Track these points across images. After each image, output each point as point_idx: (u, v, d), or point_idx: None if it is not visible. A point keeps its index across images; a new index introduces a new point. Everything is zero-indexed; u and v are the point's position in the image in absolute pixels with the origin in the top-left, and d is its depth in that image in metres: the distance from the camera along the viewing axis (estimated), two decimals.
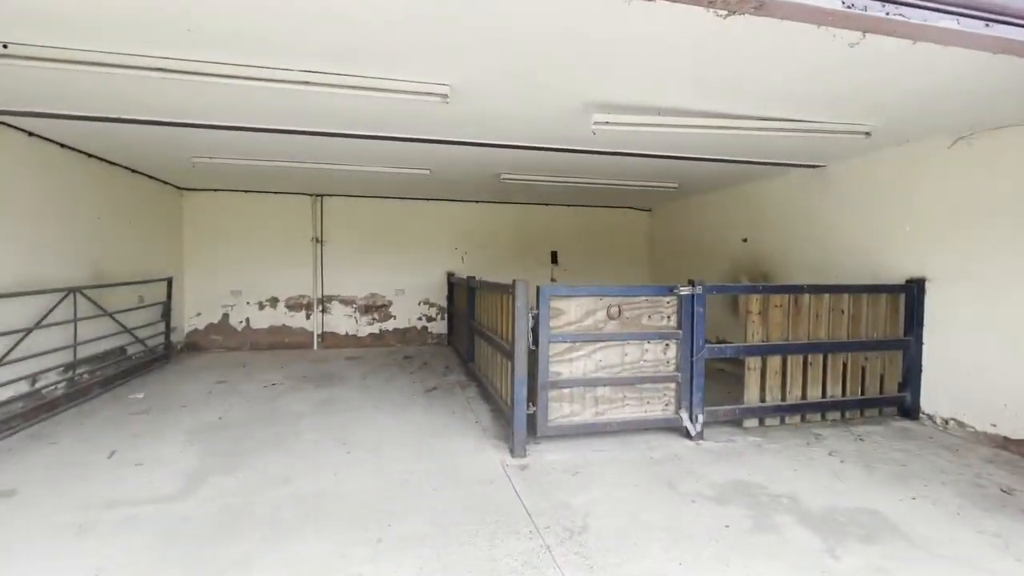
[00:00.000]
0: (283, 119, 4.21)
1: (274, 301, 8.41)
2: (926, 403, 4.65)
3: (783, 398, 4.50)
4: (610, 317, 4.08)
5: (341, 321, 8.69)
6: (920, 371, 4.67)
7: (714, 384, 4.62)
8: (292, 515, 2.95)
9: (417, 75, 3.26)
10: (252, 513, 2.97)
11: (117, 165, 6.05)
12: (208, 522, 2.87)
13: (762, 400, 4.47)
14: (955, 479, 3.49)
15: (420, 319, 9.03)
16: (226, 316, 8.24)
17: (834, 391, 4.63)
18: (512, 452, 3.81)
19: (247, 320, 8.31)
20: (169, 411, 4.91)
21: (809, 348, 4.51)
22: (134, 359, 6.32)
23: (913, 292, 4.65)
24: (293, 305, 8.49)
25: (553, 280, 9.46)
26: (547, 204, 9.44)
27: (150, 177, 6.86)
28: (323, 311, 8.61)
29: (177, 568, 2.45)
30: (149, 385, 5.91)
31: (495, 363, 4.88)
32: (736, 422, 4.51)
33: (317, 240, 8.52)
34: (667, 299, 4.20)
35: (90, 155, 5.51)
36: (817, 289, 4.52)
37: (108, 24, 2.60)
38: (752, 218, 7.08)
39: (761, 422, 4.48)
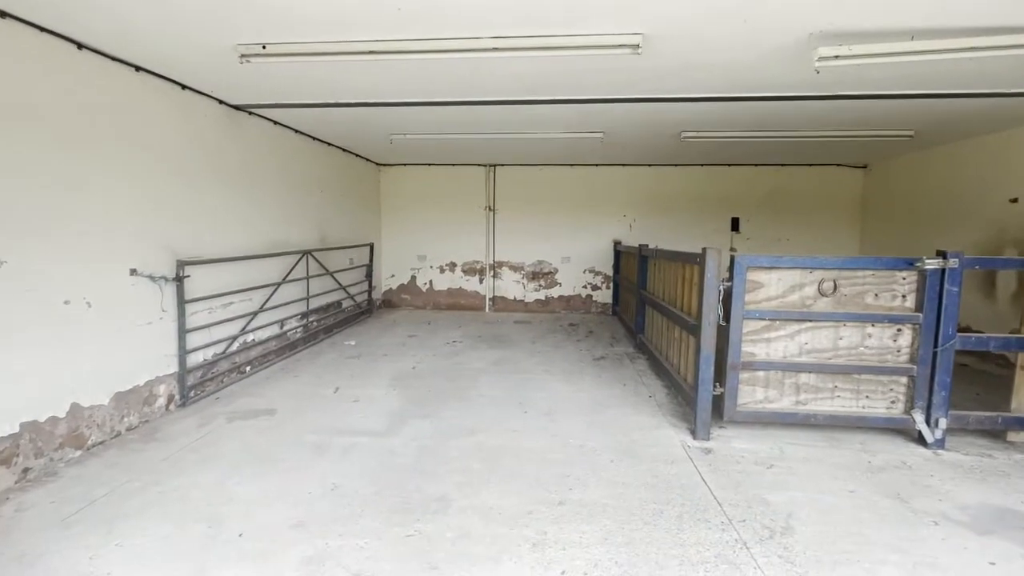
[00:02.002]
0: (467, 90, 4.37)
1: (452, 266, 9.15)
2: None
3: None
4: (822, 293, 3.46)
5: (510, 286, 9.10)
6: None
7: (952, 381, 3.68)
8: (479, 465, 3.16)
9: (607, 28, 3.04)
10: (445, 457, 3.27)
11: (333, 146, 7.06)
12: (411, 459, 3.24)
13: None
14: None
15: (585, 287, 8.99)
16: (413, 278, 9.24)
17: None
18: (694, 434, 3.55)
19: (430, 282, 9.21)
20: (374, 358, 5.70)
21: None
22: (346, 312, 7.48)
23: None
24: (468, 270, 9.13)
25: (733, 250, 8.53)
26: (728, 165, 8.46)
27: (356, 155, 7.89)
28: (494, 276, 9.10)
29: (392, 495, 2.81)
30: (358, 335, 6.95)
31: (671, 337, 4.58)
32: (995, 433, 3.54)
33: (489, 208, 8.95)
34: (903, 274, 3.41)
35: (314, 138, 6.51)
36: None
37: (333, 14, 2.91)
38: None
39: None
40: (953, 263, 3.25)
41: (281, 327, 5.74)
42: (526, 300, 9.09)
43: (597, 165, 8.65)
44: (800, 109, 4.78)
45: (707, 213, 8.65)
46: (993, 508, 2.71)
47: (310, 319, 6.37)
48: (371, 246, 8.20)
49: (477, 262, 9.11)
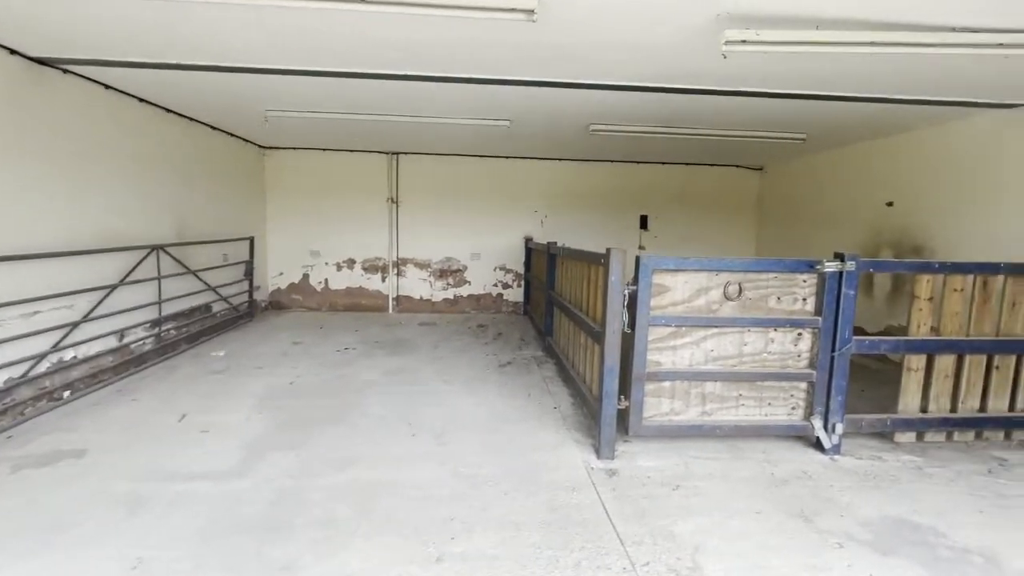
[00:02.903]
0: (348, 59, 3.73)
1: (351, 263, 8.32)
2: None
3: (953, 408, 3.49)
4: (727, 297, 3.28)
5: (416, 285, 8.46)
6: None
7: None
8: (347, 511, 2.59)
9: None
10: (306, 503, 2.65)
11: (197, 122, 5.99)
12: (259, 509, 2.59)
13: (923, 410, 3.49)
14: None
15: (496, 285, 8.58)
16: (306, 276, 8.28)
17: None
18: (598, 453, 3.22)
19: (326, 281, 8.32)
20: (244, 372, 4.85)
21: (997, 347, 3.41)
22: (219, 316, 6.45)
23: None
24: (369, 267, 8.35)
25: (642, 248, 8.56)
26: (637, 162, 8.44)
27: (231, 135, 6.82)
28: (398, 274, 8.41)
29: (220, 568, 2.15)
30: (231, 343, 5.99)
31: (578, 343, 4.26)
32: (884, 435, 3.58)
33: (392, 201, 8.24)
34: (803, 277, 3.31)
35: (168, 110, 5.43)
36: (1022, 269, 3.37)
37: None
38: (902, 176, 5.71)
39: (919, 437, 3.52)
40: (851, 266, 3.19)
41: (120, 339, 4.69)
42: (433, 299, 8.50)
43: (508, 157, 8.26)
44: (705, 105, 4.66)
45: (618, 210, 8.59)
46: (891, 521, 2.63)
47: (165, 327, 5.34)
48: (251, 240, 7.16)
49: (379, 259, 8.35)
